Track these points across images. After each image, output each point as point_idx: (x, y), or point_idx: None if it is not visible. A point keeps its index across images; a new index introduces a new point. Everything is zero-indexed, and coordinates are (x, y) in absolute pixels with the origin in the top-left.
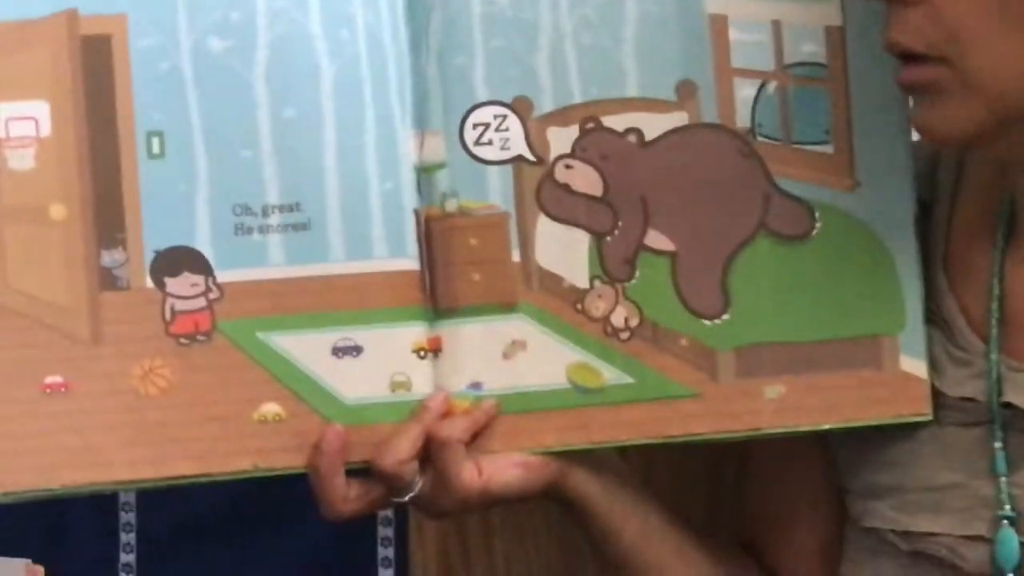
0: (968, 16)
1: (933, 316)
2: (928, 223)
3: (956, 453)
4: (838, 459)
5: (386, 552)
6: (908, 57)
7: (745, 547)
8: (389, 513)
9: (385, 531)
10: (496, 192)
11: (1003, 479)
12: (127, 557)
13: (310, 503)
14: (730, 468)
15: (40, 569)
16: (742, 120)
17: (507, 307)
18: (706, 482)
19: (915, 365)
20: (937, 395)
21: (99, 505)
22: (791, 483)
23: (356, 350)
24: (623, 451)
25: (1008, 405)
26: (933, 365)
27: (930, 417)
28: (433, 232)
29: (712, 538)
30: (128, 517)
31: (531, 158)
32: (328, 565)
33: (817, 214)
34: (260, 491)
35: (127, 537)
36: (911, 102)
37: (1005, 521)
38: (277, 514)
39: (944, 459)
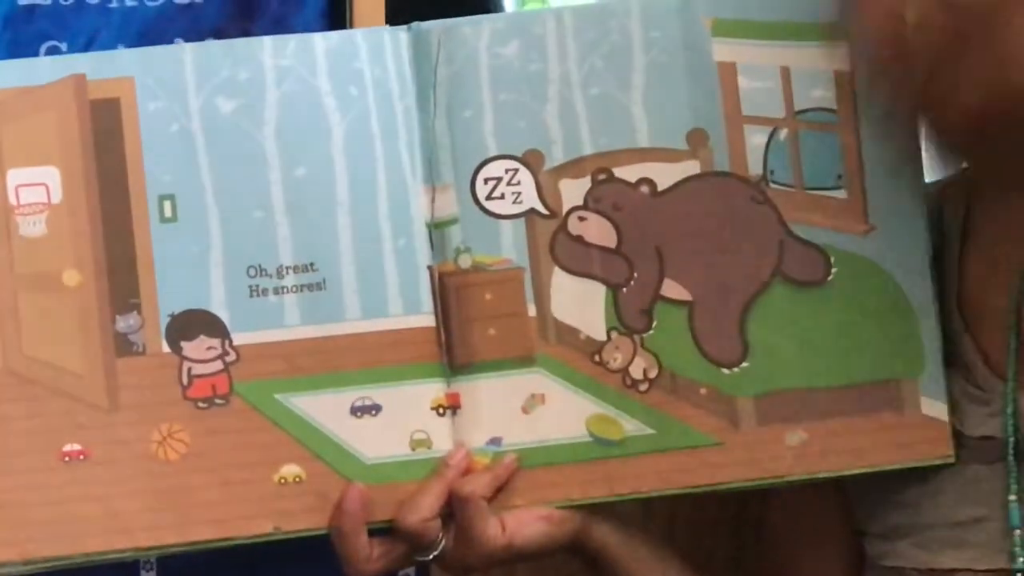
0: None
1: (951, 358)
2: (939, 266)
3: (977, 490)
4: (856, 503)
5: None
6: None
7: None
8: (410, 570)
9: (406, 569)
10: (509, 246)
11: (1018, 532)
12: None
13: (325, 549)
14: (753, 509)
15: None
16: (754, 167)
17: (525, 361)
18: (729, 523)
19: (936, 408)
20: (957, 435)
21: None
22: (808, 529)
23: (375, 409)
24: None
25: None
26: (953, 406)
27: (953, 459)
28: (448, 288)
29: None
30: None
31: (544, 211)
32: None
33: (833, 259)
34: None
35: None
36: None
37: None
38: (297, 549)
39: (965, 496)
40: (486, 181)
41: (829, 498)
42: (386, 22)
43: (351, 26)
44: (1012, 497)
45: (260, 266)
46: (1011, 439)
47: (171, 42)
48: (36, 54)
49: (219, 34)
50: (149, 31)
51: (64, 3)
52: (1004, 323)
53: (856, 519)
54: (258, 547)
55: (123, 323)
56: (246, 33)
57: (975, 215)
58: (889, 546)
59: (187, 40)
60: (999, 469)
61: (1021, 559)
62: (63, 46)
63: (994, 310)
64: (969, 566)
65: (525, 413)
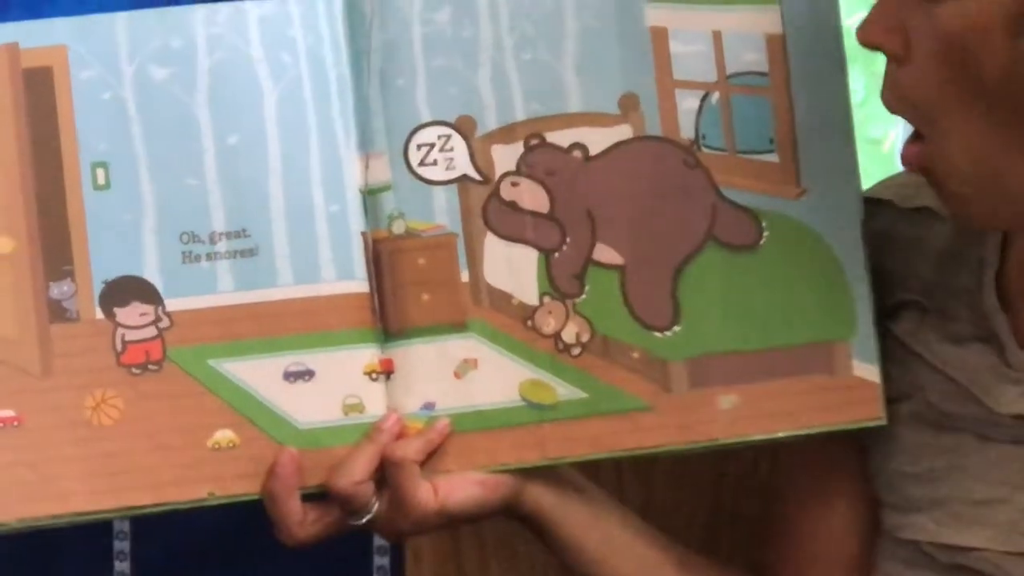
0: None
1: (984, 334)
2: (982, 243)
3: (1004, 469)
4: (875, 473)
5: None
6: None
7: (755, 567)
8: (385, 543)
9: (381, 560)
10: (443, 212)
11: None
12: (121, 563)
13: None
14: (733, 469)
15: None
16: (686, 131)
17: (457, 326)
18: (709, 485)
19: (868, 370)
20: (988, 412)
21: (92, 533)
22: (817, 491)
23: (308, 374)
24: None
25: None
26: (979, 383)
27: (884, 421)
28: (381, 254)
29: (692, 555)
30: (122, 545)
31: (477, 177)
32: None
33: (764, 223)
34: (256, 517)
35: (121, 566)
36: None
37: None
38: (273, 542)
39: (989, 474)
40: (419, 147)
41: (842, 460)
42: None
43: None
44: None
45: (193, 232)
46: None
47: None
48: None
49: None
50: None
51: None
52: None
53: (875, 488)
54: (234, 541)
55: (56, 290)
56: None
57: None
58: (905, 518)
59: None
60: None
61: None
62: None
63: None
64: (988, 545)
65: (458, 378)
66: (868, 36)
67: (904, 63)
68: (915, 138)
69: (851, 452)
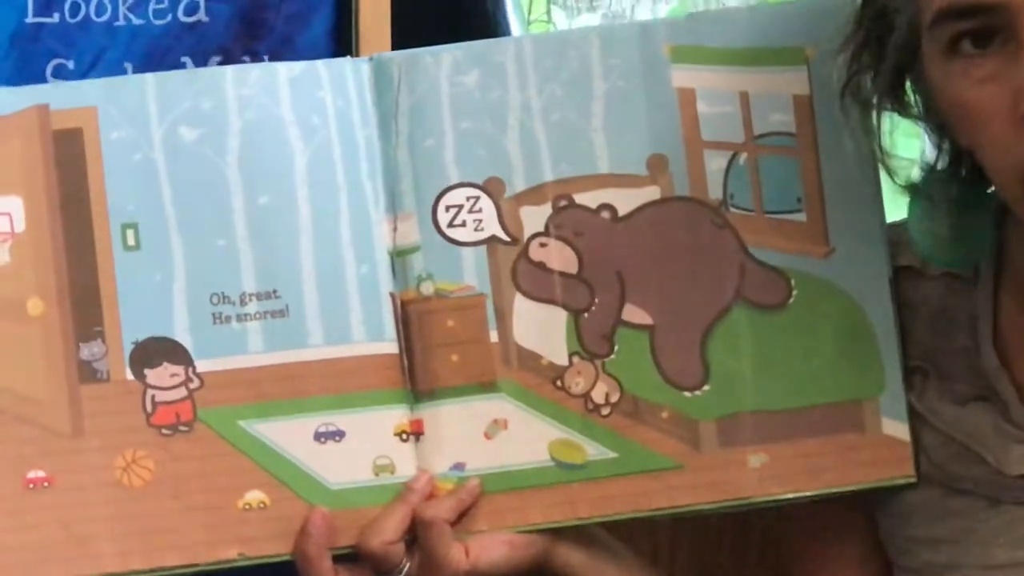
0: None
1: (985, 393)
2: (972, 300)
3: (1016, 530)
4: (886, 536)
5: None
6: None
7: None
8: None
9: None
10: (471, 273)
11: None
12: None
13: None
14: (758, 521)
15: None
16: (714, 192)
17: (487, 387)
18: (732, 534)
19: (897, 428)
20: (996, 474)
21: None
22: (839, 560)
23: (338, 435)
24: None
25: None
26: (984, 443)
27: (915, 479)
28: (410, 315)
29: None
30: None
31: (505, 238)
32: None
33: (793, 282)
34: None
35: None
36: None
37: None
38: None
39: (1003, 537)
40: (447, 209)
41: (852, 525)
42: (392, 40)
43: (357, 44)
44: None
45: (223, 293)
46: None
47: (177, 60)
48: (43, 72)
49: (225, 52)
50: (155, 50)
51: (71, 21)
52: None
53: (891, 554)
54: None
55: (87, 351)
56: (252, 52)
57: (1009, 252)
58: None
59: (193, 59)
60: None
61: None
62: (70, 64)
63: None
64: None
65: (488, 439)
66: None
67: None
68: None
69: (859, 517)
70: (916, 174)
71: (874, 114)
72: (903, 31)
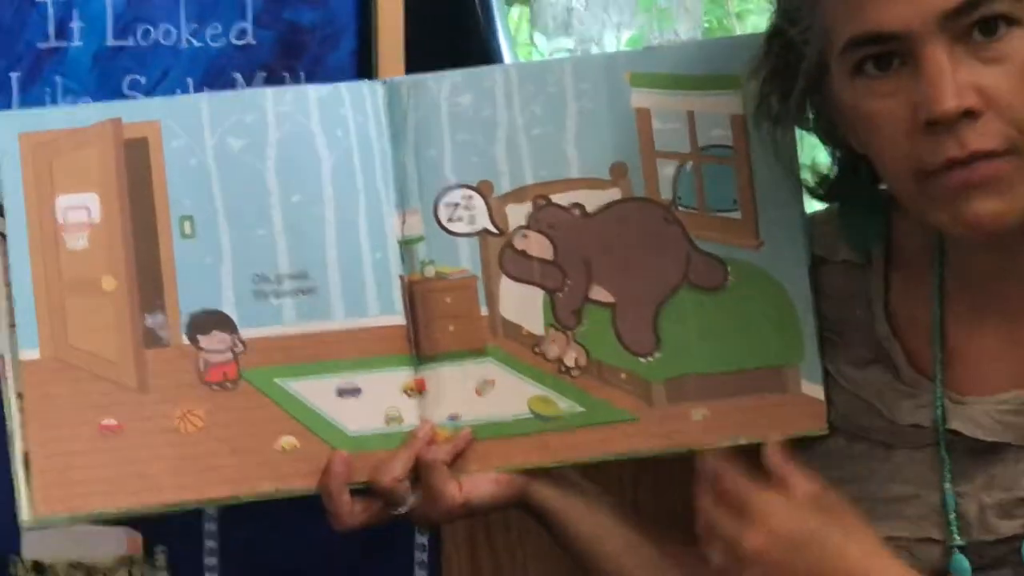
0: None
1: (879, 358)
2: (867, 281)
3: (908, 470)
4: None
5: (422, 557)
6: (967, 160)
7: None
8: (424, 540)
9: (421, 539)
10: (466, 259)
11: (948, 486)
12: (210, 526)
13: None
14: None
15: (138, 536)
16: (665, 193)
17: (478, 352)
18: (681, 472)
19: (814, 389)
20: (889, 423)
21: (187, 514)
22: None
23: (356, 391)
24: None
25: (952, 431)
26: (880, 398)
27: (827, 431)
28: (415, 293)
29: (668, 532)
30: (211, 526)
31: (494, 230)
32: (371, 566)
33: (730, 268)
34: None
35: (210, 543)
36: (955, 200)
37: (956, 548)
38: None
39: (896, 476)
40: (447, 206)
41: None
42: (407, 57)
43: (376, 64)
44: (947, 485)
45: (263, 274)
46: (942, 436)
47: (229, 76)
48: (120, 85)
49: (269, 70)
50: (211, 67)
51: (143, 44)
52: (926, 330)
53: None
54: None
55: (151, 320)
56: (291, 69)
57: (897, 240)
58: None
59: (242, 74)
60: (929, 453)
61: (957, 537)
62: (142, 79)
63: (916, 320)
64: (900, 534)
65: (479, 395)
66: (950, 107)
67: (982, 115)
68: (980, 160)
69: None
70: (817, 178)
71: (786, 129)
72: (812, 59)
